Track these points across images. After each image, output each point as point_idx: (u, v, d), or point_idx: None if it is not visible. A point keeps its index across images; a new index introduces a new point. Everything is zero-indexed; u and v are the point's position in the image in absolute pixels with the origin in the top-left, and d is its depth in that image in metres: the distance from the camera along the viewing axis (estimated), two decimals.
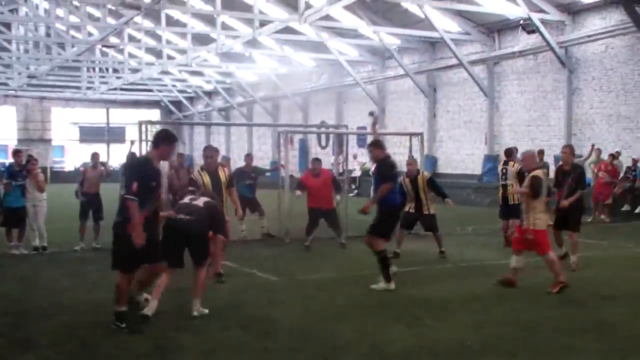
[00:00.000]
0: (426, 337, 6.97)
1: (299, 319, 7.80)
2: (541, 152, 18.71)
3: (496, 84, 25.58)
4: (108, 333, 7.13)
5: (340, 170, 17.12)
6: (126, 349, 6.61)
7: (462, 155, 27.33)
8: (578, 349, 6.67)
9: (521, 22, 22.51)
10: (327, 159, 25.98)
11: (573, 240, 10.97)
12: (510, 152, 13.99)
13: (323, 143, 33.84)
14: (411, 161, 13.34)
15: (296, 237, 14.19)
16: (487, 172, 25.36)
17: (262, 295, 9.16)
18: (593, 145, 19.66)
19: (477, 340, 6.89)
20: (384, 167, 9.78)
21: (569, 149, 11.70)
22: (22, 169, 13.12)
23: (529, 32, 22.51)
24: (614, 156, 19.27)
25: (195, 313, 7.81)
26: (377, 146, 9.82)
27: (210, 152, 10.60)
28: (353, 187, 27.59)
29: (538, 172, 9.52)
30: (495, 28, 25.10)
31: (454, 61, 25.74)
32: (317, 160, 14.46)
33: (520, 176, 12.21)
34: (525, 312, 8.12)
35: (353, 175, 27.90)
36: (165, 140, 7.52)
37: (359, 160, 30.09)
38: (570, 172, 11.10)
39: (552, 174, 18.54)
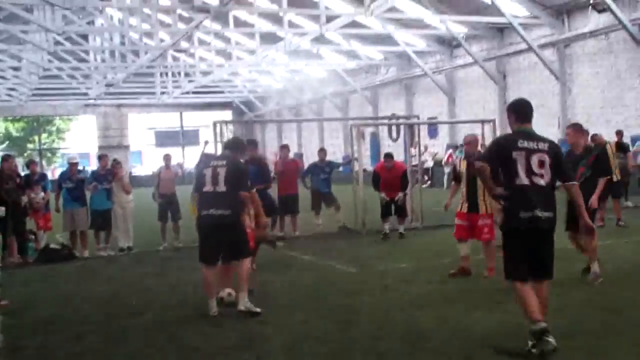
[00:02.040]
0: (509, 321, 6.96)
1: (380, 308, 7.90)
2: (619, 133, 18.30)
3: (567, 66, 25.05)
4: (195, 327, 7.40)
5: (414, 163, 17.12)
6: (213, 341, 6.85)
7: None
8: None
9: (591, 1, 21.99)
10: (399, 151, 25.97)
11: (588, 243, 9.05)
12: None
13: (394, 135, 33.70)
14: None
15: (372, 229, 14.34)
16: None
17: (342, 286, 9.30)
18: None
19: (561, 322, 6.85)
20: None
21: (572, 129, 9.47)
22: (108, 173, 13.64)
23: (599, 11, 21.96)
24: None
25: (242, 307, 7.80)
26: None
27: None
28: (426, 178, 27.51)
29: None
30: (564, 9, 24.55)
31: (523, 46, 25.33)
32: (389, 157, 14.33)
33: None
34: (608, 295, 8.03)
35: (425, 166, 27.79)
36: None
37: (431, 151, 29.97)
38: (584, 157, 9.25)
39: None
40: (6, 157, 12.91)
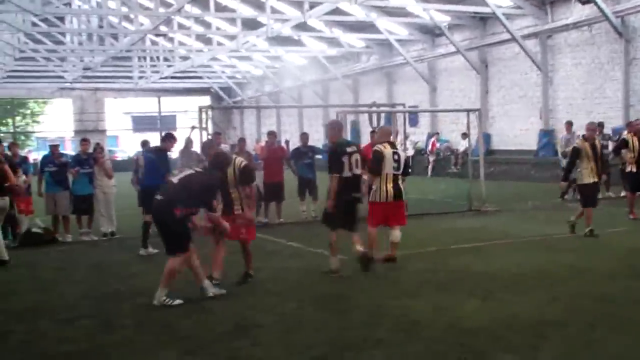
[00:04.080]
0: (502, 311, 6.97)
1: (373, 296, 7.87)
2: (600, 125, 18.40)
3: (550, 57, 25.13)
4: (185, 313, 7.33)
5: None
6: (206, 328, 6.78)
7: (516, 131, 26.97)
8: None
9: None
10: None
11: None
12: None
13: (374, 124, 33.69)
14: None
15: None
16: (543, 147, 25.04)
17: (331, 274, 9.23)
18: None
19: (554, 312, 6.88)
20: None
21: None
22: (89, 157, 13.45)
23: (583, 3, 22.00)
24: None
25: (155, 302, 7.62)
26: None
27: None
28: None
29: (379, 147, 9.63)
30: (547, 0, 24.64)
31: (505, 36, 25.36)
32: (375, 133, 14.39)
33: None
34: (600, 285, 8.08)
35: (407, 154, 27.77)
36: None
37: (412, 140, 29.98)
38: None
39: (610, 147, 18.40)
40: None
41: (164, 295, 7.66)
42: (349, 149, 9.14)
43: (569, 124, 18.86)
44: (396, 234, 9.69)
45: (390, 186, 9.57)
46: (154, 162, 11.65)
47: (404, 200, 9.92)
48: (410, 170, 12.04)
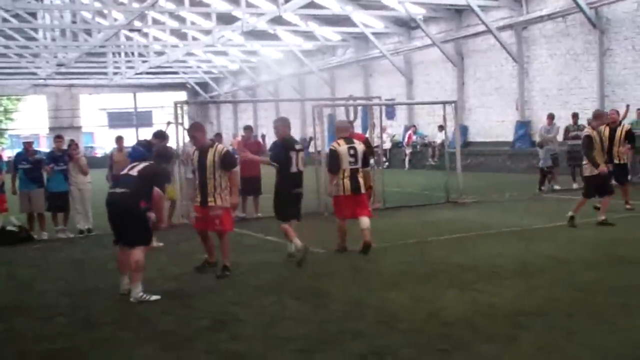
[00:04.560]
0: (481, 302, 7.00)
1: (351, 289, 7.87)
2: (575, 116, 18.56)
3: (525, 49, 25.30)
4: (164, 309, 7.28)
5: (375, 144, 17.07)
6: (186, 323, 6.72)
7: (492, 122, 27.14)
8: (634, 307, 6.68)
9: None
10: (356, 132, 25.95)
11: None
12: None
13: (352, 117, 33.70)
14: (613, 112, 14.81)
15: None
16: (519, 138, 25.22)
17: (310, 267, 9.22)
18: (628, 106, 19.42)
19: (533, 302, 6.92)
20: None
21: None
22: (64, 154, 13.32)
23: None
24: None
25: (132, 299, 7.60)
26: None
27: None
28: (384, 159, 27.56)
29: (333, 145, 10.02)
30: None
31: (481, 28, 25.50)
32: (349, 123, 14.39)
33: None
34: (578, 275, 8.14)
35: (384, 147, 27.82)
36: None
37: (389, 132, 30.04)
38: None
39: None
40: None
41: (139, 290, 7.63)
42: (297, 146, 9.76)
43: (551, 117, 18.93)
44: (364, 220, 9.91)
45: (347, 181, 9.88)
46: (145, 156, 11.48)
47: (363, 193, 10.21)
48: (372, 161, 12.54)
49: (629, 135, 14.09)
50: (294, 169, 9.62)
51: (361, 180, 10.07)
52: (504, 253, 9.56)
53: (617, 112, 15.56)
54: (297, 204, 9.82)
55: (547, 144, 17.89)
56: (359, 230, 9.88)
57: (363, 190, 10.17)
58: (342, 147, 9.96)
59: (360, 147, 10.16)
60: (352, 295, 7.51)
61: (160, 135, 12.34)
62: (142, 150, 11.79)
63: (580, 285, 7.58)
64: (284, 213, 9.75)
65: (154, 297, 7.63)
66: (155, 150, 9.47)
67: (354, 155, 9.94)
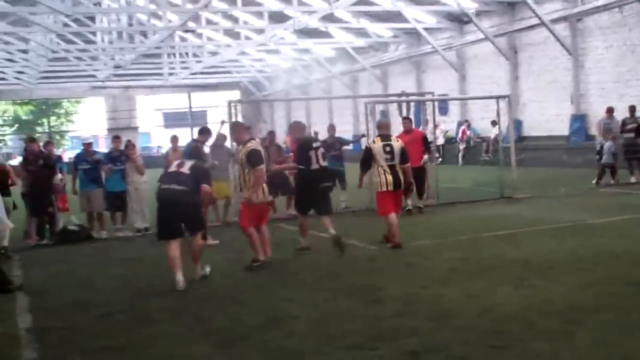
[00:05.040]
0: (536, 297, 6.93)
1: (404, 285, 7.87)
2: (632, 109, 18.16)
3: (580, 41, 24.80)
4: (219, 307, 7.41)
5: (430, 139, 17.03)
6: (239, 320, 6.82)
7: (547, 116, 26.68)
8: None
9: None
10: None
11: None
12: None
13: (404, 113, 33.63)
14: None
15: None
16: (575, 132, 24.76)
17: (363, 264, 9.28)
18: None
19: (588, 298, 6.83)
20: None
21: None
22: (121, 154, 13.62)
23: None
24: None
25: (196, 278, 8.63)
26: None
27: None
28: (437, 155, 27.41)
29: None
30: None
31: (534, 21, 25.08)
32: (407, 119, 14.74)
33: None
34: (634, 270, 7.98)
35: (437, 143, 27.67)
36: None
37: (442, 128, 29.83)
38: None
39: None
40: (32, 139, 13.03)
41: (200, 270, 8.73)
42: (314, 144, 10.28)
43: (610, 110, 18.53)
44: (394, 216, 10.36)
45: (389, 177, 10.22)
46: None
47: (401, 190, 10.56)
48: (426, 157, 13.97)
49: None
50: (314, 166, 10.02)
51: (401, 177, 10.34)
52: (558, 248, 9.44)
53: None
54: (322, 198, 10.21)
55: (610, 139, 17.45)
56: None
57: (401, 187, 10.47)
58: (377, 144, 10.35)
59: (397, 144, 10.45)
60: (405, 292, 7.51)
61: (204, 132, 12.79)
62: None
63: (637, 280, 7.44)
64: (303, 206, 10.25)
65: (208, 268, 8.88)
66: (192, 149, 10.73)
67: (390, 152, 10.24)
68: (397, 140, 10.63)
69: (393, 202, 10.36)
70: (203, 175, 8.82)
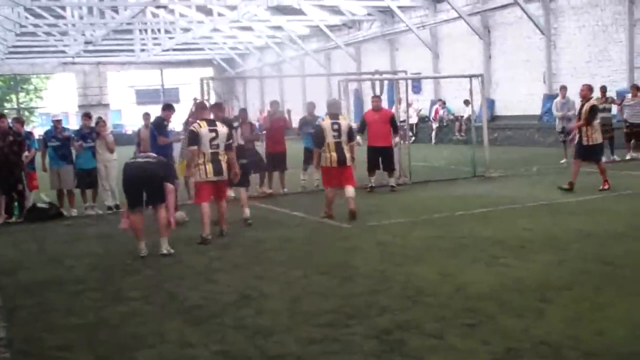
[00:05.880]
0: (508, 275, 6.97)
1: (377, 263, 7.88)
2: (603, 89, 18.29)
3: (553, 20, 24.88)
4: (192, 285, 7.36)
5: (402, 119, 17.05)
6: (213, 299, 6.78)
7: (520, 96, 26.78)
8: None
9: None
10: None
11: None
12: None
13: (377, 91, 33.57)
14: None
15: (360, 186, 14.26)
16: (547, 111, 24.89)
17: (336, 242, 9.29)
18: None
19: (560, 276, 6.88)
20: None
21: None
22: (92, 131, 13.44)
23: None
24: None
25: (164, 251, 8.84)
26: None
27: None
28: (410, 134, 27.45)
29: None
30: None
31: (508, 0, 25.13)
32: (377, 97, 14.84)
33: None
34: (607, 248, 8.04)
35: (410, 122, 27.70)
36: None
37: (415, 107, 29.86)
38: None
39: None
40: (1, 116, 12.81)
41: (168, 245, 8.93)
42: (235, 124, 11.38)
43: (563, 88, 18.56)
44: (349, 189, 10.76)
45: (333, 154, 10.70)
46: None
47: (349, 165, 10.89)
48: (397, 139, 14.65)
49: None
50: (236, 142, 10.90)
51: (347, 154, 10.76)
52: (531, 227, 9.50)
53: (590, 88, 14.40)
54: (244, 173, 10.78)
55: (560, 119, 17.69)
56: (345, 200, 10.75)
57: (349, 163, 10.83)
58: (327, 122, 10.89)
59: (344, 122, 10.94)
60: (378, 270, 7.52)
61: (167, 107, 13.01)
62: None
63: (609, 258, 7.50)
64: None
65: (171, 250, 8.93)
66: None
67: (337, 130, 10.75)
68: (345, 119, 11.15)
69: (338, 177, 10.79)
70: (169, 175, 9.32)
